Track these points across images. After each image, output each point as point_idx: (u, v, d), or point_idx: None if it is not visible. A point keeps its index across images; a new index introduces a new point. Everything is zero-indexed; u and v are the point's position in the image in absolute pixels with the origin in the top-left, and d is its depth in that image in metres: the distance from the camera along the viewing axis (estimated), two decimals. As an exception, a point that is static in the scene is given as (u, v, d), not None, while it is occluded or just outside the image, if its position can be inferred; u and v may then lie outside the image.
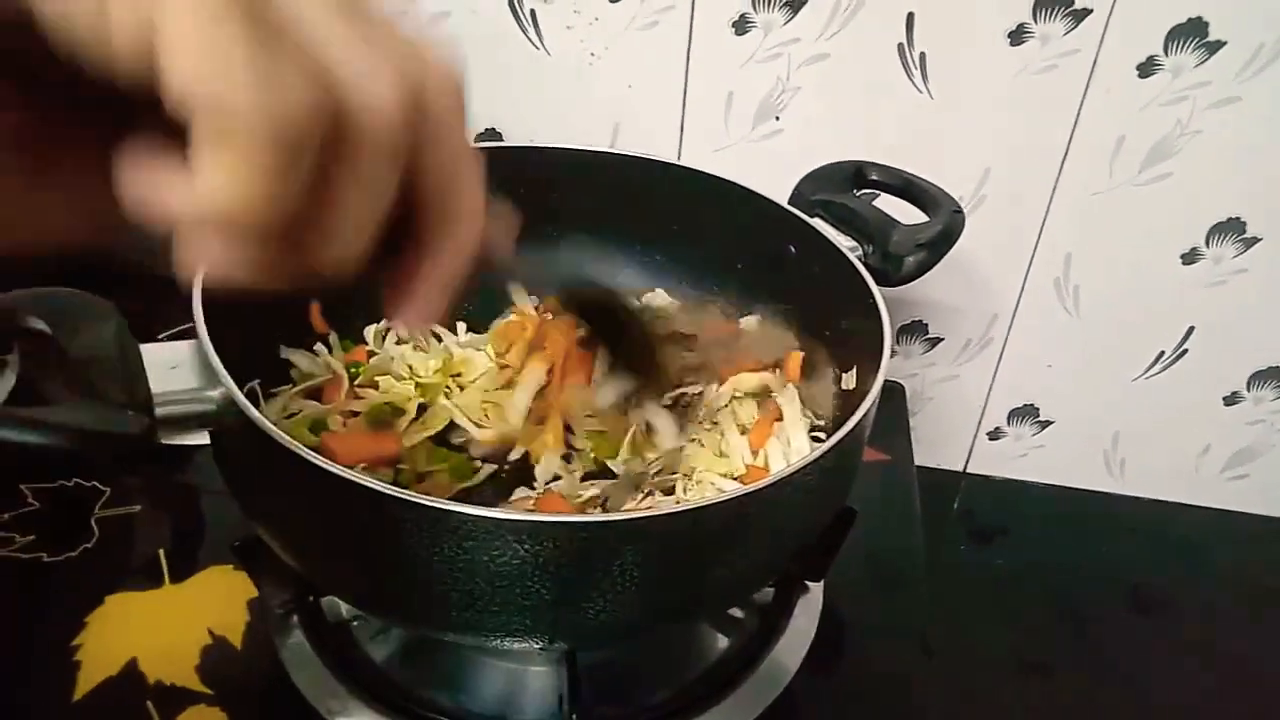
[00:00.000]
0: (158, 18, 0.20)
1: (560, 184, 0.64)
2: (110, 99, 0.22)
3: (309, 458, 0.36)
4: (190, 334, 0.43)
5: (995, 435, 0.86)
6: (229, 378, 0.39)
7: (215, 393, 0.40)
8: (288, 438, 0.37)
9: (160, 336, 0.46)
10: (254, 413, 0.38)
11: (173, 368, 0.41)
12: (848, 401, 0.56)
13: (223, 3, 0.20)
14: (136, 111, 0.22)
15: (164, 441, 0.40)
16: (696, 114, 0.74)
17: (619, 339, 0.52)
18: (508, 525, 0.35)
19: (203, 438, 0.44)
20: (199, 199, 0.21)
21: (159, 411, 0.39)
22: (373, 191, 0.24)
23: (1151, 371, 0.80)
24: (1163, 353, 0.79)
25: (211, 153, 0.21)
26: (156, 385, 0.39)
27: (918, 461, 0.76)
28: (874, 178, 0.63)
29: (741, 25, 0.70)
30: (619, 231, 0.67)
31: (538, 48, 0.73)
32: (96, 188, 0.24)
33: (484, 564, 0.36)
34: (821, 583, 0.60)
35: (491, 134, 0.76)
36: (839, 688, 0.57)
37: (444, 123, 0.25)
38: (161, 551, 0.59)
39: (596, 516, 0.36)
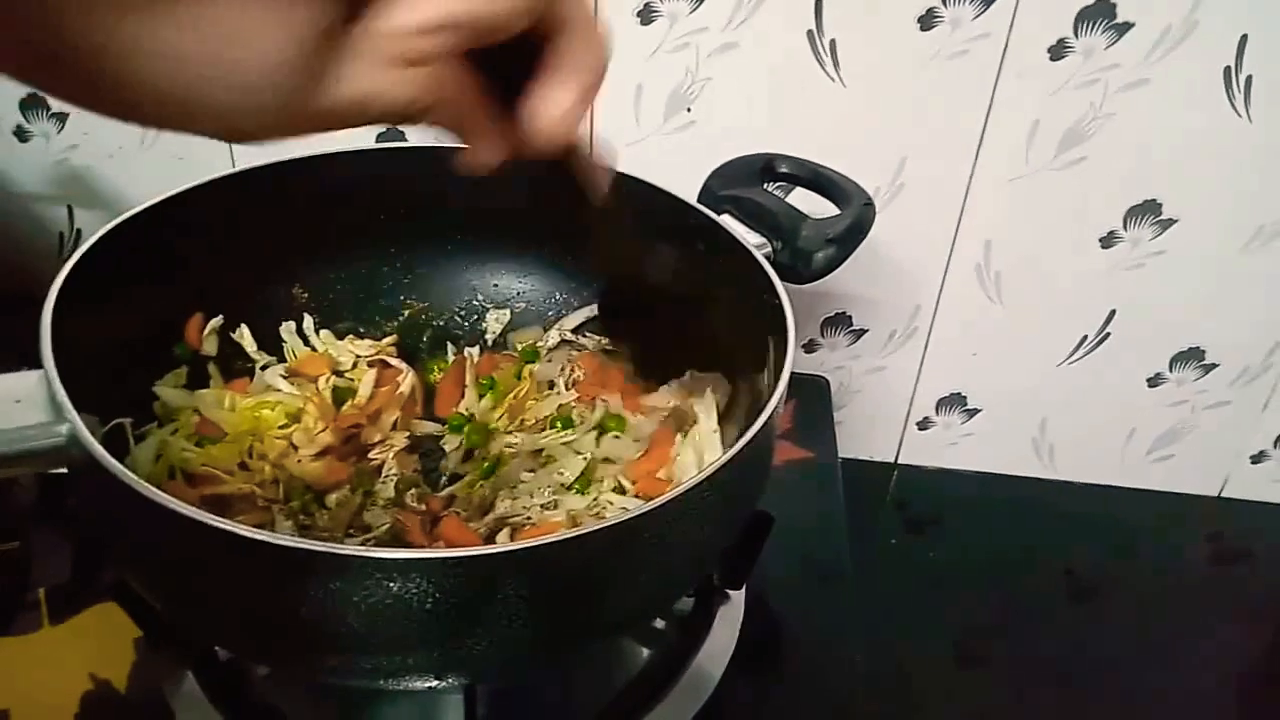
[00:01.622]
0: None
1: (463, 186, 0.61)
2: None
3: (155, 497, 0.33)
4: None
5: (924, 425, 0.86)
6: (74, 412, 0.36)
7: (62, 428, 0.37)
8: (136, 478, 0.34)
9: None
10: (99, 450, 0.35)
11: (17, 401, 0.38)
12: (758, 403, 0.54)
13: None
14: None
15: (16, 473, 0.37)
16: (606, 107, 0.71)
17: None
18: (374, 563, 0.33)
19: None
20: None
21: (1, 450, 0.36)
22: None
23: (1075, 356, 0.80)
24: (1085, 337, 0.79)
25: None
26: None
27: (848, 454, 0.75)
28: (784, 170, 0.61)
29: (647, 15, 0.67)
30: (525, 237, 0.65)
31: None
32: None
33: (354, 605, 0.34)
34: (743, 589, 0.58)
35: (394, 134, 0.72)
36: (767, 691, 0.56)
37: None
38: (41, 591, 0.56)
39: (471, 550, 0.33)
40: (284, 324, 0.62)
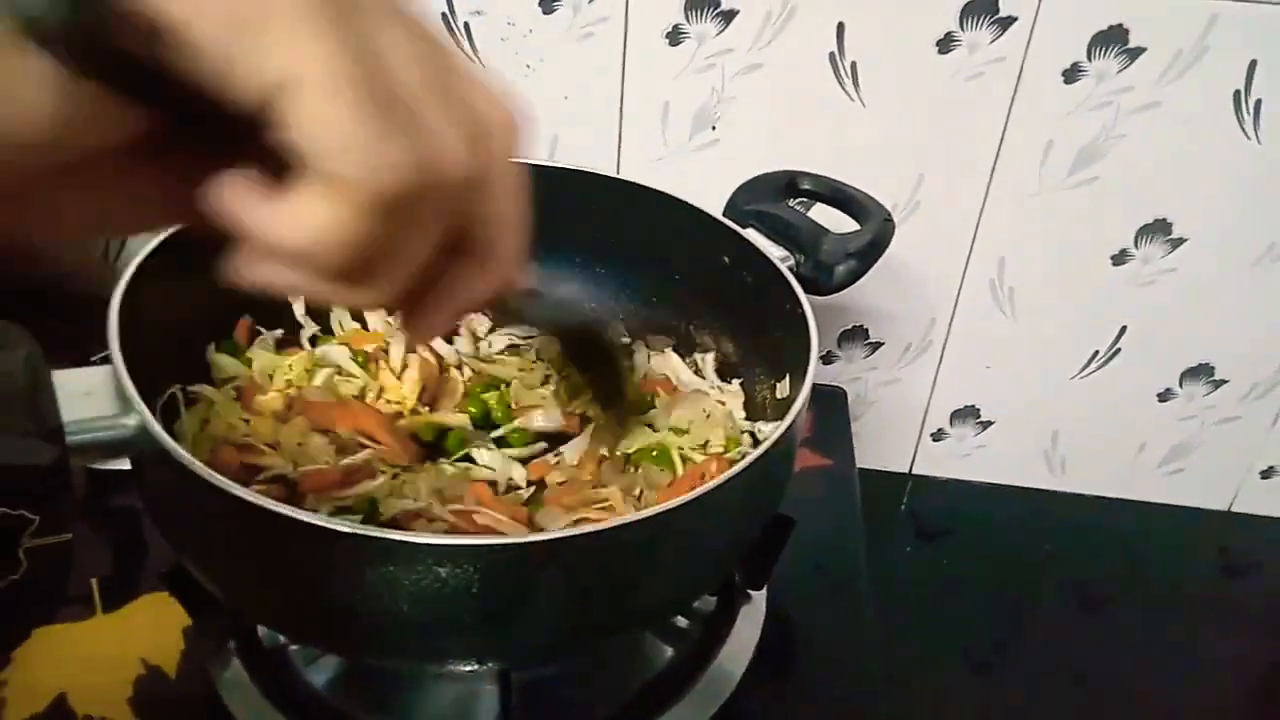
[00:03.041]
0: (297, 81, 0.21)
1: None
2: (214, 119, 0.23)
3: (224, 486, 0.36)
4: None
5: (938, 436, 0.87)
6: (143, 404, 0.39)
7: (130, 419, 0.39)
8: (202, 465, 0.36)
9: (94, 359, 0.45)
10: (168, 441, 0.37)
11: (87, 394, 0.40)
12: (782, 410, 0.56)
13: (356, 79, 0.22)
14: (238, 133, 0.23)
15: (94, 467, 0.40)
16: (634, 124, 0.74)
17: (600, 377, 0.51)
18: (426, 549, 0.35)
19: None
20: (291, 229, 0.23)
21: (71, 440, 0.38)
22: (427, 239, 0.26)
23: (1087, 370, 0.82)
24: (1097, 352, 0.81)
25: (319, 195, 0.23)
26: (69, 413, 0.38)
27: (863, 464, 0.77)
28: (806, 187, 0.64)
29: (675, 36, 0.70)
30: (559, 245, 0.67)
31: (472, 60, 0.73)
32: (180, 193, 0.26)
33: (405, 588, 0.36)
34: (764, 590, 0.60)
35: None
36: (785, 693, 0.58)
37: (501, 175, 0.27)
38: (94, 581, 0.58)
39: (515, 538, 0.36)
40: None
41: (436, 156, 0.24)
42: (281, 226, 0.23)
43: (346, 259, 0.24)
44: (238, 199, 0.24)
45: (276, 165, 0.23)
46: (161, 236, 0.49)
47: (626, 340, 0.65)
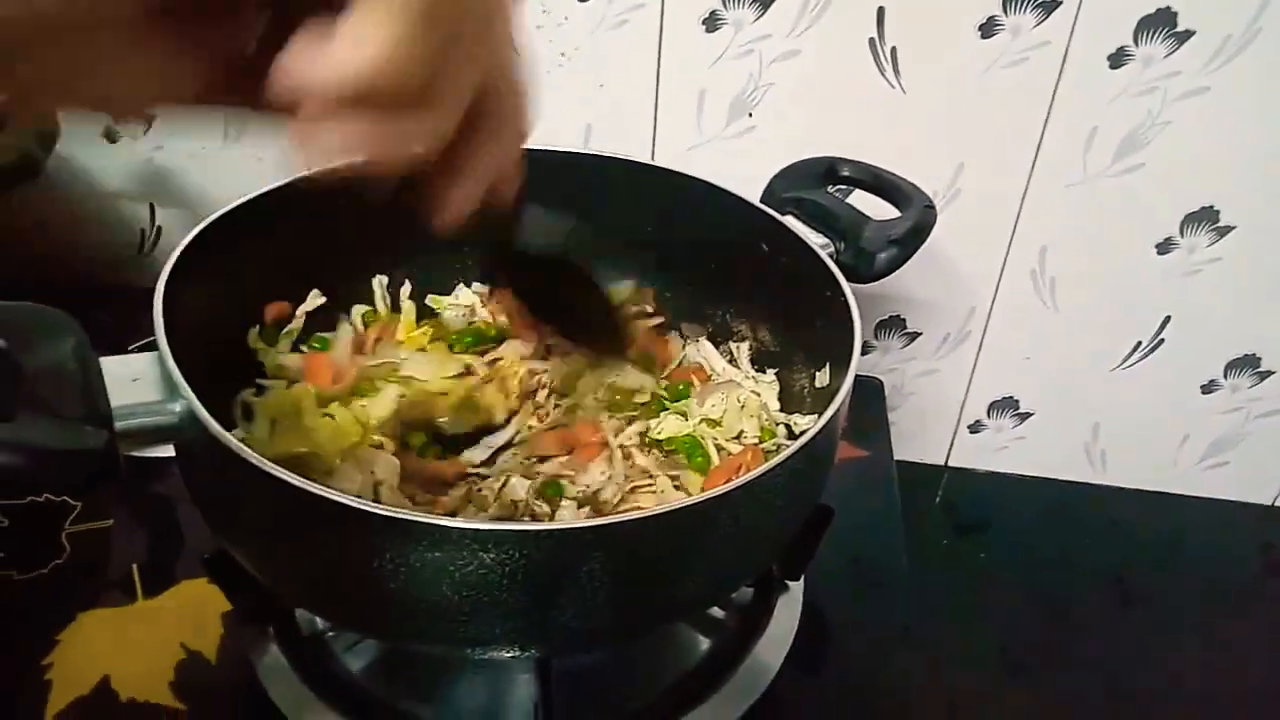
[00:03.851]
0: None
1: (533, 186, 0.63)
2: None
3: (272, 471, 0.36)
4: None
5: (976, 428, 0.86)
6: (189, 390, 0.39)
7: (176, 405, 0.39)
8: (250, 451, 0.36)
9: (131, 348, 0.45)
10: (214, 426, 0.38)
11: (134, 380, 0.41)
12: (821, 399, 0.56)
13: None
14: None
15: (132, 454, 0.40)
16: (670, 112, 0.74)
17: (576, 308, 0.49)
18: (472, 534, 0.35)
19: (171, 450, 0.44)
20: (349, 61, 0.23)
21: (119, 426, 0.38)
22: (477, 59, 0.26)
23: (1129, 362, 0.80)
24: (1140, 343, 0.79)
25: (368, 15, 0.23)
26: (117, 399, 0.38)
27: (899, 456, 0.76)
28: (846, 174, 0.63)
29: (712, 22, 0.69)
30: (595, 232, 0.67)
31: (507, 49, 0.72)
32: (203, 68, 0.26)
33: (450, 574, 0.36)
34: (801, 581, 0.60)
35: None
36: (822, 686, 0.57)
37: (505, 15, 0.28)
38: (135, 566, 0.59)
39: (560, 525, 0.36)
40: (375, 278, 0.63)
41: None
42: (339, 64, 0.23)
43: (406, 81, 0.24)
44: (298, 59, 0.24)
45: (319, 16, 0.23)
46: (201, 226, 0.50)
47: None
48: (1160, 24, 0.65)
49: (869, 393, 0.81)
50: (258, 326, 0.57)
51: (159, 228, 0.85)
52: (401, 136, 0.25)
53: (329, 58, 0.23)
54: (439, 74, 0.25)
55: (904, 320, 0.81)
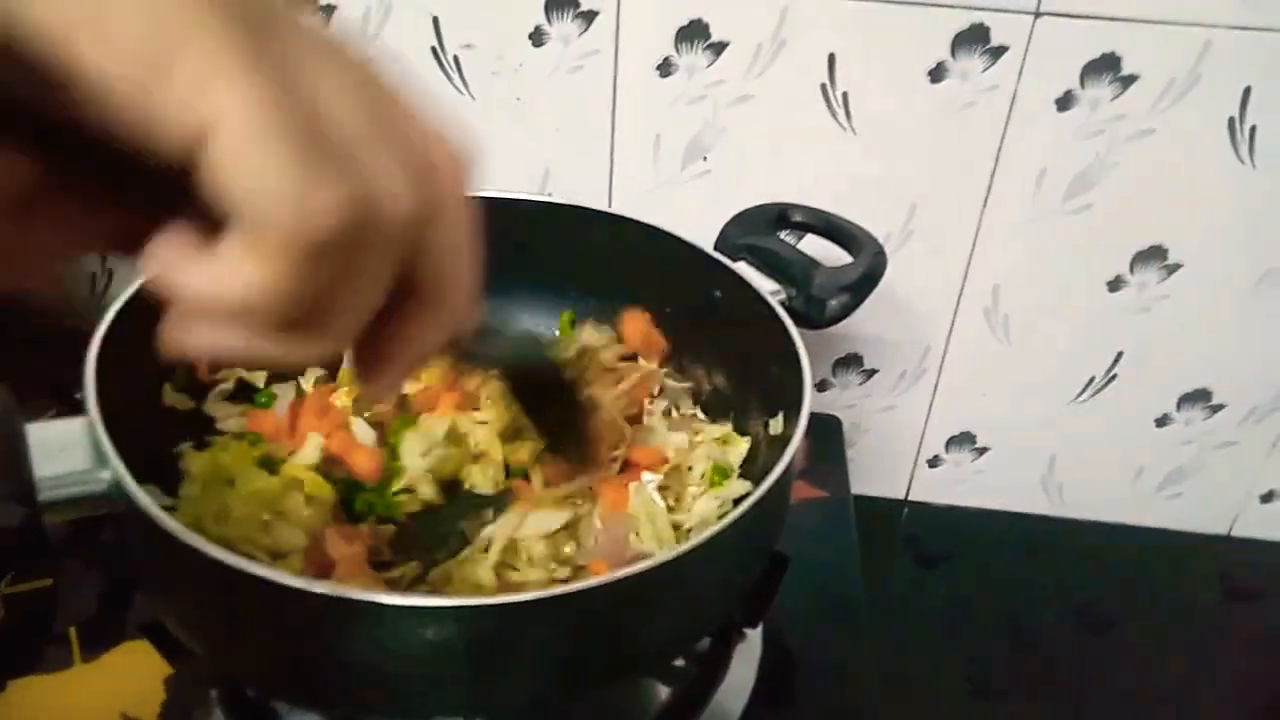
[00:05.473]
0: (214, 127, 0.20)
1: (487, 234, 0.63)
2: (129, 167, 0.22)
3: (197, 545, 0.35)
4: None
5: (935, 463, 0.87)
6: (118, 459, 0.38)
7: (106, 474, 0.38)
8: (176, 524, 0.35)
9: (77, 394, 0.44)
10: (142, 497, 0.36)
11: (63, 448, 0.39)
12: (776, 446, 0.55)
13: (278, 121, 0.20)
14: (156, 183, 0.22)
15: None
16: (626, 156, 0.73)
17: (556, 418, 0.48)
18: (406, 611, 0.34)
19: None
20: (224, 285, 0.22)
21: (45, 497, 0.37)
22: (376, 283, 0.24)
23: (1084, 396, 0.81)
24: (1093, 378, 0.80)
25: (248, 247, 0.21)
26: (43, 469, 0.37)
27: (860, 490, 0.76)
28: (798, 219, 0.63)
29: (666, 68, 0.69)
30: (550, 278, 0.67)
31: (462, 93, 0.72)
32: (90, 243, 0.25)
33: (393, 648, 0.35)
34: (759, 626, 0.59)
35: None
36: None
37: (450, 213, 0.25)
38: (73, 629, 0.57)
39: (505, 598, 0.35)
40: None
41: (374, 197, 0.22)
42: (213, 283, 0.22)
43: (286, 312, 0.22)
44: (166, 261, 0.22)
45: (212, 217, 0.22)
46: (136, 293, 0.48)
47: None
48: (1106, 68, 0.66)
49: (827, 430, 0.81)
50: (172, 381, 0.55)
51: (110, 271, 0.84)
52: (281, 353, 0.24)
53: (204, 273, 0.22)
54: (325, 307, 0.23)
55: (861, 358, 0.81)
